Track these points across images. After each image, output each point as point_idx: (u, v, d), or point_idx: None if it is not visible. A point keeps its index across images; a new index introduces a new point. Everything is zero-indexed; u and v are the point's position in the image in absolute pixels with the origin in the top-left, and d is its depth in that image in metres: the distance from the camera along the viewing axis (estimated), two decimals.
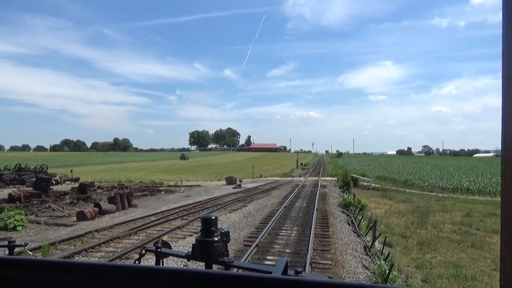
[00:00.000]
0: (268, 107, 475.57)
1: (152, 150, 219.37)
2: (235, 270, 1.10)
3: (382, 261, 7.79)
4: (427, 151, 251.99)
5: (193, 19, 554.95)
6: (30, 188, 20.97)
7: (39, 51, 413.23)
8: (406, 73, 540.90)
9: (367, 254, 8.82)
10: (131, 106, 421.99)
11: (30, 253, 7.13)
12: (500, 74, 0.63)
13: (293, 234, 10.70)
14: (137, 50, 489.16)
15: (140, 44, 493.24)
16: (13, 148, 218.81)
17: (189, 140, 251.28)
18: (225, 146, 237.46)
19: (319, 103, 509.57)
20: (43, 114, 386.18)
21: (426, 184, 33.74)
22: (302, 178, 36.78)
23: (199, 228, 1.16)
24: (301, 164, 66.27)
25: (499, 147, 0.66)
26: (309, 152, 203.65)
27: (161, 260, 1.27)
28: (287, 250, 8.92)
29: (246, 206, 16.89)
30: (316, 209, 14.79)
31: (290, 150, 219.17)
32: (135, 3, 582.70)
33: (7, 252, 1.23)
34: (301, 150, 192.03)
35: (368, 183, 31.09)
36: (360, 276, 7.26)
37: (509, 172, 0.61)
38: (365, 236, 11.01)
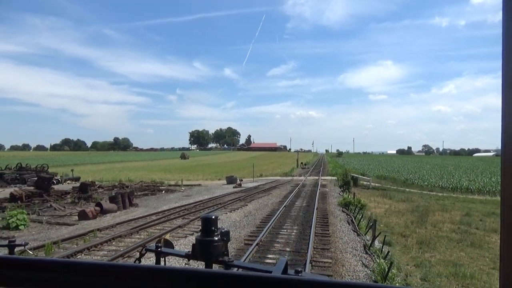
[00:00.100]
0: (268, 106, 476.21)
1: (152, 149, 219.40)
2: (235, 269, 1.11)
3: (382, 260, 7.80)
4: (427, 151, 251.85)
5: (193, 18, 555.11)
6: (32, 188, 21.02)
7: (39, 50, 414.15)
8: (406, 72, 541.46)
9: (366, 253, 8.84)
10: (131, 106, 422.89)
11: (31, 252, 7.14)
12: (500, 73, 0.63)
13: (293, 233, 10.71)
14: (137, 49, 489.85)
15: (140, 44, 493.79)
16: (13, 148, 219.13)
17: (189, 140, 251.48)
18: (225, 145, 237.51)
19: (319, 103, 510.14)
20: (43, 114, 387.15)
21: (426, 183, 33.71)
22: (302, 178, 36.78)
23: (200, 227, 1.16)
24: (301, 163, 66.25)
25: (499, 147, 0.66)
26: (309, 151, 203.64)
27: (161, 259, 1.28)
28: (288, 249, 8.94)
29: (247, 205, 16.90)
30: (316, 208, 14.80)
31: (290, 149, 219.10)
32: (135, 2, 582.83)
33: (7, 252, 1.23)
34: (301, 149, 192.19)
35: (368, 183, 31.07)
36: (360, 274, 7.28)
37: (509, 171, 0.61)
38: (364, 235, 11.03)
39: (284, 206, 15.89)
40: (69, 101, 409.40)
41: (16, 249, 1.32)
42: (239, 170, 47.26)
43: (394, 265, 7.47)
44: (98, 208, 14.20)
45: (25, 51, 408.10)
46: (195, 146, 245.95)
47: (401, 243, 11.34)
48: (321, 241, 9.77)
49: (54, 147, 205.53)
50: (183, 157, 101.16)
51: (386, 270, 6.87)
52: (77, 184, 23.57)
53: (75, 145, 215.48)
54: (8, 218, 11.51)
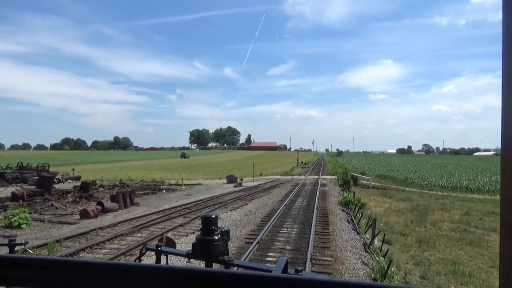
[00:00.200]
0: (268, 105, 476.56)
1: (152, 148, 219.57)
2: (235, 268, 1.11)
3: (381, 258, 7.82)
4: (427, 150, 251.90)
5: (193, 17, 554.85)
6: (33, 187, 21.04)
7: (39, 50, 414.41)
8: (406, 72, 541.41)
9: (366, 251, 8.86)
10: (131, 105, 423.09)
11: (31, 251, 7.15)
12: (500, 73, 0.63)
13: (293, 232, 10.73)
14: (137, 48, 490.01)
15: (140, 43, 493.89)
16: (14, 147, 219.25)
17: (189, 139, 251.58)
18: (225, 144, 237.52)
19: (319, 102, 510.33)
20: (43, 113, 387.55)
21: (425, 182, 33.72)
22: (302, 177, 36.79)
23: (200, 226, 1.16)
24: (302, 162, 66.27)
25: (499, 146, 0.66)
26: (309, 150, 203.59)
27: (162, 258, 1.28)
28: (288, 247, 8.96)
29: (247, 204, 16.92)
30: (316, 207, 14.81)
31: (290, 148, 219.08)
32: (135, 2, 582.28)
33: (8, 251, 1.23)
34: (301, 148, 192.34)
35: (368, 182, 31.07)
36: (359, 272, 7.30)
37: (508, 170, 0.61)
38: (364, 233, 11.05)
39: (285, 205, 15.90)
40: (69, 100, 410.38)
41: (16, 248, 1.33)
42: (239, 169, 47.26)
43: (393, 263, 7.48)
44: (99, 207, 14.22)
45: (25, 51, 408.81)
46: (195, 145, 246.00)
47: (400, 242, 11.35)
48: (321, 240, 9.78)
49: (54, 147, 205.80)
50: (183, 156, 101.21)
51: (386, 268, 6.89)
52: (78, 183, 23.61)
53: (75, 145, 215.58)
54: (10, 217, 11.57)
